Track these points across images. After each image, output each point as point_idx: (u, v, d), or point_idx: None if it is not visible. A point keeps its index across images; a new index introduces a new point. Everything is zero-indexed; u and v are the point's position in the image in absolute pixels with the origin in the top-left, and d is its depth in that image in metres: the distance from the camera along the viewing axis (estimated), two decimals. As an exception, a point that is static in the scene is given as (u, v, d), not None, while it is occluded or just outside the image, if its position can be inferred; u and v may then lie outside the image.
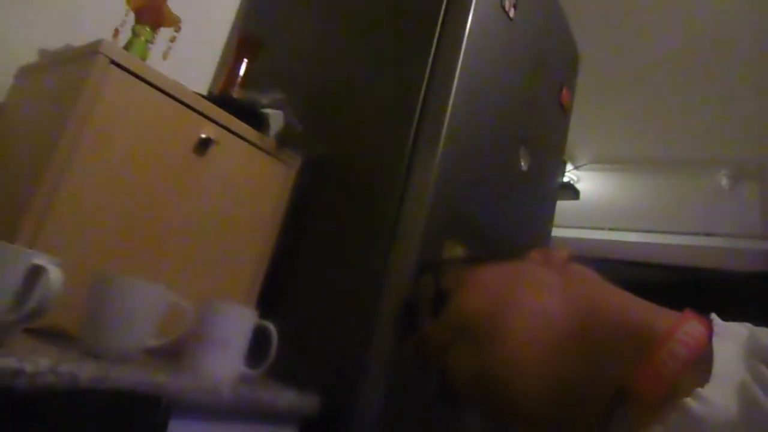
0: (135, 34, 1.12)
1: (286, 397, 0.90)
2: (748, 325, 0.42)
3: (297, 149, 1.15)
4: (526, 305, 0.47)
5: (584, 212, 4.32)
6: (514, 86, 1.34)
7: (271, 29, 1.39)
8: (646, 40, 2.93)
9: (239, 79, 1.20)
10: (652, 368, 0.40)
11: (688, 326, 0.42)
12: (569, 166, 4.57)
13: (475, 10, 1.17)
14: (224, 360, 0.85)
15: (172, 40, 1.17)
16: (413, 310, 0.62)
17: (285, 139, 1.13)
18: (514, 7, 1.28)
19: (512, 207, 1.36)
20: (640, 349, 0.41)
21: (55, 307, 0.61)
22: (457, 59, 1.14)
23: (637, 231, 4.23)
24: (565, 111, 1.64)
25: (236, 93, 1.17)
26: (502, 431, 0.50)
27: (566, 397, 0.43)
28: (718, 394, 0.36)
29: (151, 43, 1.14)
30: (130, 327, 0.74)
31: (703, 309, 0.44)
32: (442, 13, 1.18)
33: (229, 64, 1.23)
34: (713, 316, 0.44)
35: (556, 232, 1.73)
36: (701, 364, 0.39)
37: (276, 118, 1.14)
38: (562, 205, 4.13)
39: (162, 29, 1.16)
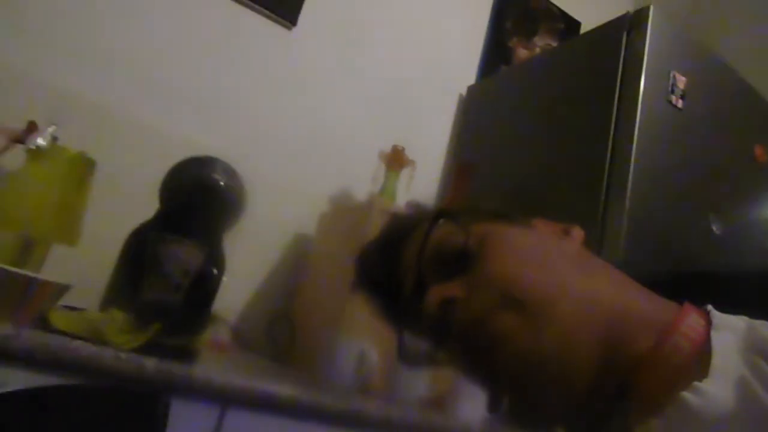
0: (387, 178, 1.63)
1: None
2: (745, 318, 0.43)
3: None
4: (576, 288, 0.46)
5: None
6: (694, 162, 1.52)
7: (478, 152, 1.81)
8: None
9: (461, 198, 1.62)
10: (657, 362, 0.40)
11: (690, 320, 0.42)
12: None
13: (641, 113, 1.42)
14: (475, 406, 1.21)
15: (411, 177, 1.65)
16: (414, 259, 0.52)
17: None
18: (683, 98, 1.49)
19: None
20: (648, 341, 0.42)
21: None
22: (630, 155, 1.39)
23: None
24: (762, 165, 1.71)
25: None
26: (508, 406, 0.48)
27: (590, 383, 0.43)
28: (717, 387, 0.36)
29: (397, 181, 1.64)
30: (417, 383, 1.16)
31: (701, 304, 0.45)
32: (613, 121, 1.45)
33: (451, 186, 1.67)
34: (710, 308, 0.45)
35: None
36: (701, 357, 0.39)
37: (490, 223, 1.52)
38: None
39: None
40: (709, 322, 0.42)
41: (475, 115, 2.00)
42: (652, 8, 1.49)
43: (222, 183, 0.99)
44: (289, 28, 1.75)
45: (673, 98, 1.48)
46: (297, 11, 1.75)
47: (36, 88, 1.36)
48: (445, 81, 2.08)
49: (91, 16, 1.47)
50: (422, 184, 1.84)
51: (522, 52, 2.25)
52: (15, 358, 0.80)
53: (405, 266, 0.53)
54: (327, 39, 1.83)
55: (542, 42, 2.32)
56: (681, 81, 1.50)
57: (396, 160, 1.64)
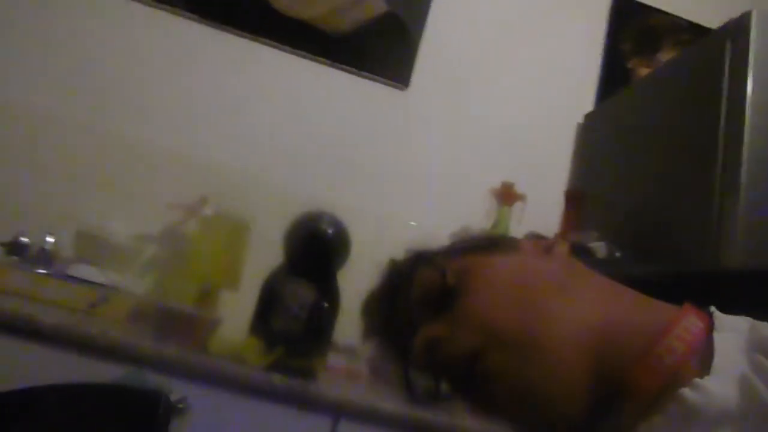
0: (498, 214, 1.73)
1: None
2: (749, 318, 0.43)
3: (618, 270, 1.51)
4: (558, 315, 0.47)
5: None
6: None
7: (598, 178, 1.83)
8: None
9: (572, 225, 1.66)
10: (649, 363, 0.41)
11: (686, 321, 0.43)
12: None
13: (750, 117, 1.35)
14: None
15: (522, 210, 1.74)
16: (405, 305, 0.55)
17: (609, 265, 1.51)
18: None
19: None
20: (639, 347, 0.42)
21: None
22: (741, 160, 1.33)
23: None
24: None
25: (571, 236, 1.63)
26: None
27: (581, 396, 0.44)
28: (717, 384, 0.37)
29: (509, 216, 1.73)
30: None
31: (704, 304, 0.46)
32: (721, 128, 1.40)
33: (563, 215, 1.71)
34: (713, 309, 0.45)
35: None
36: (701, 357, 0.40)
37: (600, 249, 1.54)
38: None
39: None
40: (710, 324, 0.43)
41: (594, 140, 2.01)
42: (754, 12, 1.42)
43: (329, 232, 1.22)
44: (403, 89, 1.98)
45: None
46: (409, 74, 1.97)
47: (201, 168, 1.75)
48: (561, 112, 2.11)
49: (237, 104, 1.86)
50: (543, 215, 1.89)
51: (644, 72, 2.20)
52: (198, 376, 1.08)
53: (398, 312, 0.56)
54: (440, 94, 2.01)
55: (668, 57, 2.24)
56: (800, 81, 1.39)
57: (506, 195, 1.74)
